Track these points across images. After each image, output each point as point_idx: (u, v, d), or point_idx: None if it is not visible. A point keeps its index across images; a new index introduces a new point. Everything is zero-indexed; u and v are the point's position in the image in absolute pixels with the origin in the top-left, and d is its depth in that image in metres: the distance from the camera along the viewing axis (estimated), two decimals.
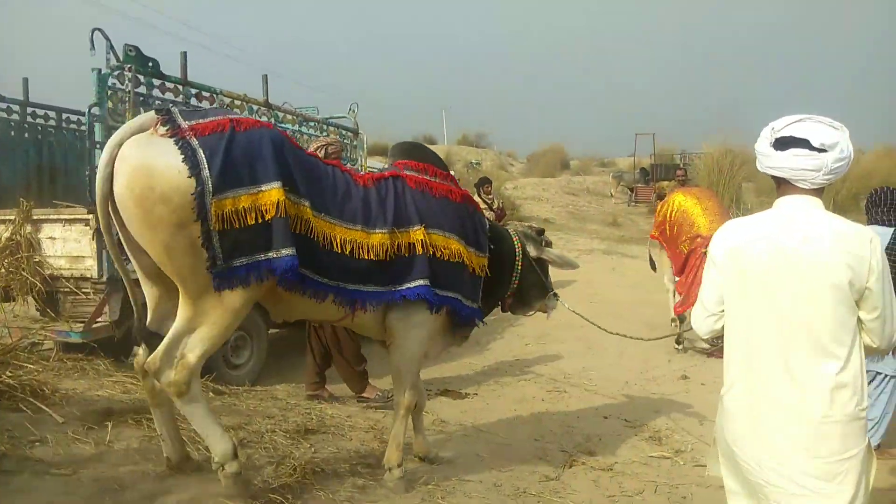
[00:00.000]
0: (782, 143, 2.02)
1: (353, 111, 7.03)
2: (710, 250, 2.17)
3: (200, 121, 2.73)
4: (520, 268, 3.81)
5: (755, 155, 2.16)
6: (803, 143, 1.98)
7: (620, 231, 19.94)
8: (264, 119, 5.69)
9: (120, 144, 2.66)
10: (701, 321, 2.22)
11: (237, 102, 5.63)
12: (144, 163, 2.62)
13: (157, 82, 5.07)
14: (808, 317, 1.94)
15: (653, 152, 26.79)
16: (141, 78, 4.91)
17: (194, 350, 2.76)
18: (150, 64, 4.99)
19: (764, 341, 2.01)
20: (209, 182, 2.62)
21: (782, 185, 2.06)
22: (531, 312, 4.11)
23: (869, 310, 1.95)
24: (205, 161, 2.62)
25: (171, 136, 2.66)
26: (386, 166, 3.55)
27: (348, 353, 4.98)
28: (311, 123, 6.40)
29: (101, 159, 2.69)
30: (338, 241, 2.95)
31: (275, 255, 2.72)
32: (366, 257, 3.02)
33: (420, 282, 3.19)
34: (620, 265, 13.47)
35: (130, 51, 4.86)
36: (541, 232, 4.06)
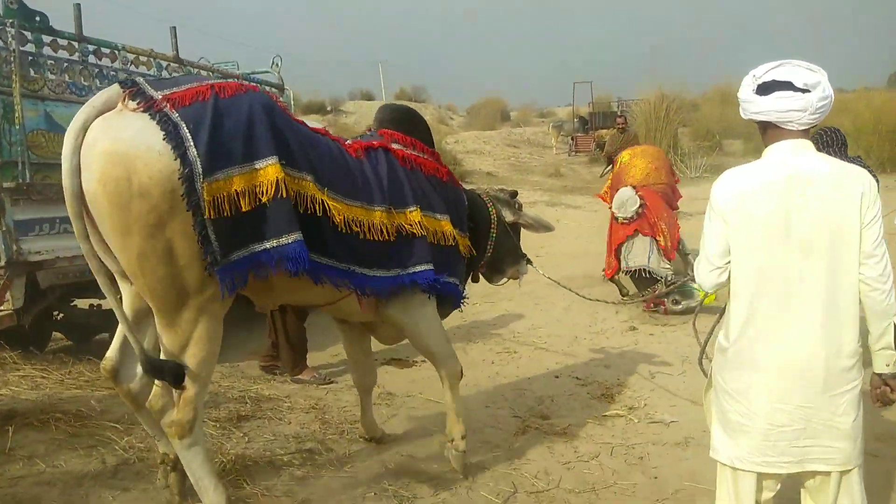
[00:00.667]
0: (765, 88, 2.01)
1: (277, 65, 6.52)
2: (712, 200, 2.07)
3: (175, 90, 2.29)
4: (494, 235, 3.54)
5: (740, 103, 2.10)
6: (787, 86, 1.97)
7: (563, 181, 19.92)
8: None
9: (86, 128, 2.20)
10: (706, 275, 2.12)
11: (143, 59, 5.08)
12: (117, 147, 2.16)
13: (47, 39, 4.50)
14: (822, 257, 1.94)
15: (591, 101, 26.76)
16: (28, 35, 4.33)
17: (193, 379, 2.38)
18: (38, 18, 4.41)
19: (776, 287, 1.98)
20: (198, 162, 2.19)
21: (770, 131, 2.05)
22: (504, 280, 3.87)
23: (872, 242, 1.95)
24: (189, 137, 2.20)
25: (144, 111, 2.22)
26: (368, 133, 3.18)
27: (293, 332, 4.68)
28: (231, 80, 5.88)
29: (65, 148, 2.19)
30: (343, 219, 2.59)
31: (276, 244, 2.34)
32: (369, 238, 2.70)
33: (425, 266, 2.92)
34: (564, 216, 13.40)
35: (12, 3, 4.26)
36: (513, 194, 3.80)
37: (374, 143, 2.95)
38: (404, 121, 3.21)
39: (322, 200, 2.51)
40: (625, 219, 6.61)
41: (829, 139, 4.12)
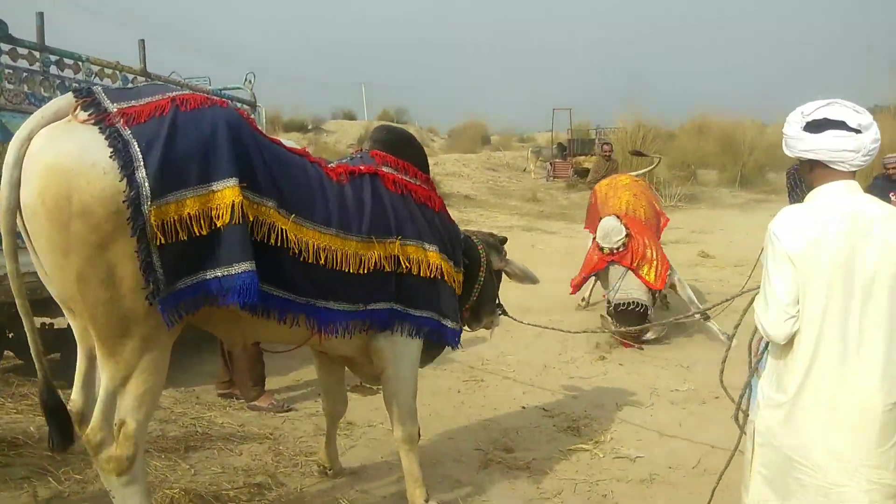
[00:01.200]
0: (816, 126, 1.98)
1: (250, 81, 6.42)
2: (776, 244, 1.98)
3: (133, 103, 2.15)
4: (482, 279, 3.41)
5: (786, 140, 2.07)
6: (840, 125, 1.95)
7: (540, 206, 19.96)
8: None
9: (31, 138, 2.06)
10: (780, 325, 1.99)
11: (108, 71, 4.95)
12: (59, 162, 2.02)
13: (5, 47, 4.36)
14: (883, 301, 1.90)
15: (570, 127, 27.01)
16: None
17: (133, 413, 2.23)
18: None
19: (838, 334, 1.91)
20: (146, 184, 2.06)
21: (818, 171, 2.01)
22: (478, 328, 3.75)
23: None
24: (140, 156, 2.06)
25: (94, 124, 2.08)
26: (358, 154, 3.05)
27: (250, 357, 4.51)
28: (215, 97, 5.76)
29: (7, 159, 2.05)
30: (310, 247, 2.44)
31: (227, 273, 2.20)
32: (339, 268, 2.54)
33: (386, 304, 2.78)
34: (540, 241, 13.39)
35: None
36: (503, 241, 3.70)
37: (362, 167, 2.82)
38: (399, 144, 3.08)
39: (281, 229, 2.37)
40: (610, 250, 6.35)
41: (801, 177, 4.05)
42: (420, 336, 2.97)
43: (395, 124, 3.48)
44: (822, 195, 1.99)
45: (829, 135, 1.95)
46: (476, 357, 5.96)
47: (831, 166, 1.97)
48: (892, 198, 7.76)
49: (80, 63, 4.78)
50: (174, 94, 2.27)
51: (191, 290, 2.20)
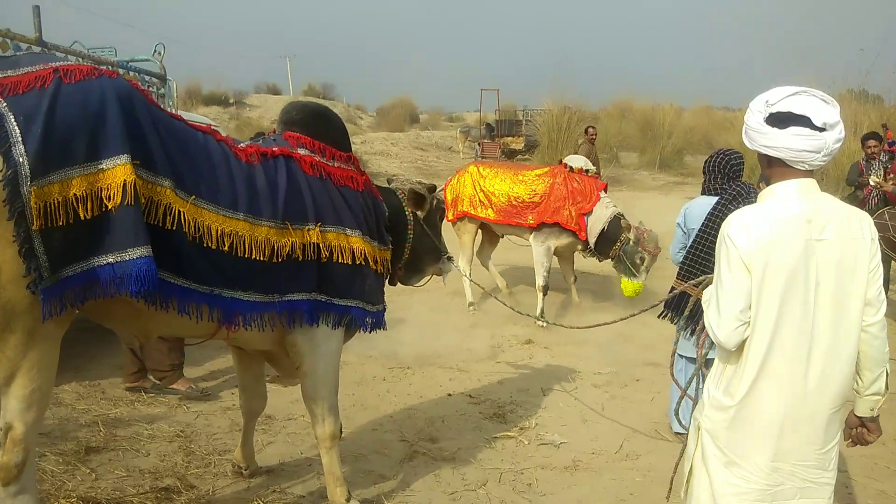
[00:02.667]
0: (779, 120, 1.85)
1: (160, 53, 5.96)
2: (730, 248, 1.87)
3: (10, 73, 1.94)
4: (411, 235, 3.24)
5: (746, 130, 1.94)
6: (803, 122, 1.82)
7: None
8: None
9: None
10: (731, 332, 1.89)
11: None
12: None
13: None
14: (831, 304, 1.84)
15: (497, 108, 27.11)
16: None
17: (21, 415, 2.03)
18: None
19: (790, 339, 1.85)
20: (25, 163, 1.85)
21: (776, 168, 1.90)
22: (424, 280, 3.62)
23: (877, 289, 1.89)
24: (17, 131, 1.86)
25: None
26: (272, 136, 2.82)
27: (166, 340, 4.22)
28: (104, 68, 5.32)
29: None
30: (213, 233, 2.25)
31: (119, 259, 2.00)
32: (248, 256, 2.34)
33: (306, 295, 2.60)
34: None
35: None
36: (432, 188, 3.44)
37: (275, 148, 2.62)
38: (315, 122, 2.84)
39: (179, 211, 2.18)
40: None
41: (717, 165, 3.87)
42: (342, 326, 2.84)
43: (307, 99, 3.19)
44: (777, 195, 1.89)
45: (790, 132, 1.83)
46: (403, 343, 5.85)
47: (790, 165, 1.87)
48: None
49: None
50: (58, 63, 2.04)
51: (79, 279, 2.01)
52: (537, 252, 6.82)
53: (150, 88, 5.85)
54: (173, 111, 6.06)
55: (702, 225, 3.63)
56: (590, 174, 6.97)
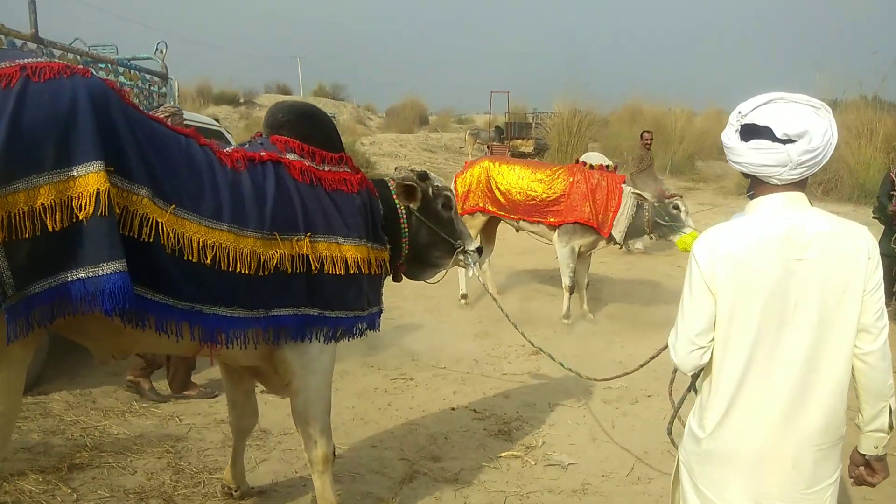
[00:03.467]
0: (746, 132, 1.70)
1: (161, 51, 5.86)
2: (693, 267, 1.72)
3: None
4: (406, 230, 3.00)
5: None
6: (766, 133, 1.66)
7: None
8: None
9: None
10: (685, 356, 1.77)
11: None
12: None
13: None
14: (817, 329, 1.66)
15: (507, 110, 26.91)
16: None
17: None
18: None
19: (765, 366, 1.68)
20: None
21: (755, 181, 1.75)
22: (438, 276, 3.31)
23: (874, 313, 1.68)
24: None
25: None
26: (258, 139, 2.65)
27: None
28: (103, 66, 5.19)
29: None
30: (195, 245, 2.09)
31: (91, 274, 1.84)
32: (232, 269, 2.18)
33: (293, 310, 2.43)
34: None
35: None
36: (423, 176, 3.11)
37: (263, 153, 2.45)
38: (303, 124, 2.65)
39: (157, 222, 2.02)
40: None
41: None
42: (336, 340, 2.68)
43: (291, 99, 3.00)
44: (757, 210, 1.73)
45: (751, 146, 1.68)
46: (407, 352, 5.69)
47: (764, 180, 1.71)
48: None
49: None
50: (25, 61, 1.88)
51: (47, 295, 1.85)
52: (562, 254, 6.77)
53: (151, 88, 5.73)
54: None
55: None
56: (610, 169, 6.91)
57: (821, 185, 15.42)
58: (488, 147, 25.07)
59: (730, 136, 1.75)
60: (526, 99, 29.39)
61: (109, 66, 5.24)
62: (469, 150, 25.98)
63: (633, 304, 7.45)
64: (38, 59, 1.92)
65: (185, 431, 3.76)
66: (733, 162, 1.75)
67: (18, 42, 4.59)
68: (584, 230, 6.70)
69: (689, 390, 2.34)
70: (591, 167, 6.88)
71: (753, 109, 1.70)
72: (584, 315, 6.99)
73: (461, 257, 3.22)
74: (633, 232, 6.66)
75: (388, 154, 23.08)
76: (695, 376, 1.96)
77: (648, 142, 10.71)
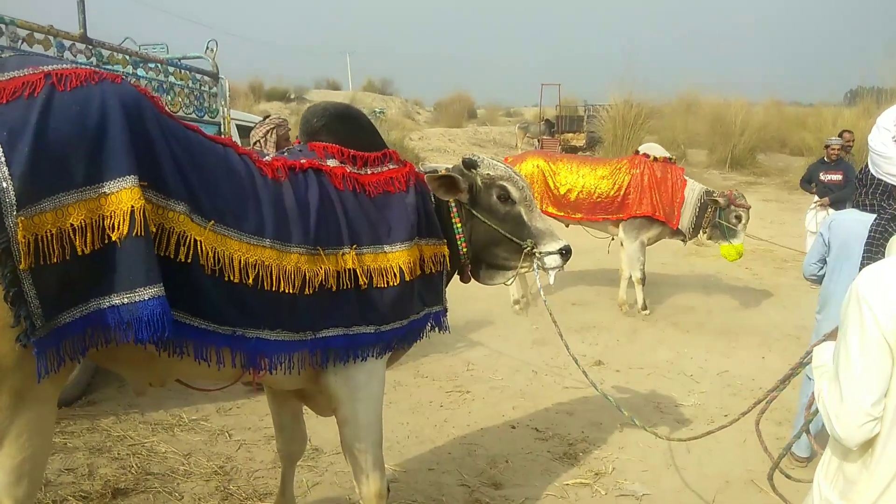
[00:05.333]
0: None
1: (212, 50, 5.70)
2: (867, 317, 1.39)
3: None
4: (459, 226, 2.65)
5: (871, 154, 1.55)
6: None
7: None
8: (81, 61, 4.36)
9: None
10: (857, 429, 1.42)
11: (38, 36, 4.26)
12: None
13: None
14: None
15: (558, 103, 26.36)
16: None
17: (10, 489, 1.71)
18: None
19: None
20: (10, 188, 1.52)
21: None
22: (509, 279, 2.84)
23: None
24: (0, 150, 1.54)
25: None
26: (297, 147, 2.46)
27: None
28: (153, 65, 5.08)
29: None
30: (236, 263, 1.91)
31: (128, 300, 1.68)
32: (275, 289, 2.00)
33: (343, 330, 2.21)
34: None
35: None
36: (470, 164, 2.70)
37: (303, 161, 2.24)
38: (340, 126, 2.42)
39: (196, 240, 1.82)
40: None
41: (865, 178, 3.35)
42: (384, 363, 2.45)
43: (329, 101, 2.78)
44: None
45: None
46: (462, 360, 5.44)
47: None
48: (822, 177, 8.03)
49: (2, 26, 4.09)
50: (50, 67, 1.69)
51: (79, 325, 1.67)
52: (631, 248, 6.75)
53: (203, 87, 5.61)
54: (225, 110, 5.83)
55: (864, 250, 3.18)
56: (672, 161, 6.85)
57: None
58: (538, 141, 24.60)
59: (886, 144, 1.47)
60: (577, 91, 28.80)
61: (159, 65, 5.12)
62: (518, 144, 25.56)
63: (699, 311, 7.03)
64: (64, 66, 1.72)
65: (235, 449, 3.60)
66: (890, 174, 1.48)
67: (67, 43, 4.51)
68: (650, 223, 6.69)
69: (797, 436, 2.02)
70: (655, 159, 6.77)
71: None
72: (638, 313, 6.85)
73: (537, 260, 2.72)
74: (696, 227, 6.66)
75: (436, 149, 22.88)
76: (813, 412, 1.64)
77: (849, 143, 8.78)
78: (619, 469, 3.69)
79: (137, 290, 1.68)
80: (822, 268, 3.65)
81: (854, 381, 1.41)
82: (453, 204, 2.66)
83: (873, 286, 1.38)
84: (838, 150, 8.02)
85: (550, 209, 6.82)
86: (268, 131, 4.34)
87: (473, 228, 2.69)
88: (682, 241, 7.02)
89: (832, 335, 1.69)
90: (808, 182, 8.32)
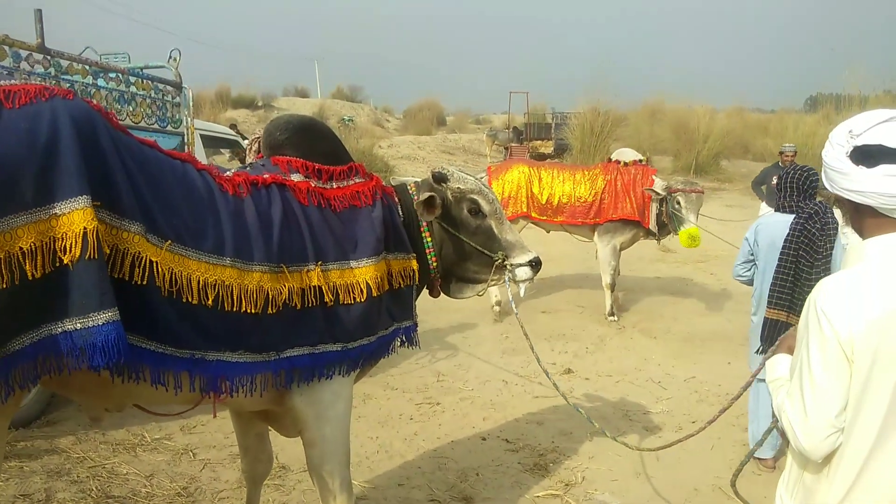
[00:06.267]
0: (867, 156, 1.41)
1: (175, 59, 5.60)
2: (826, 331, 1.40)
3: None
4: (429, 240, 2.64)
5: (825, 169, 1.52)
6: (893, 157, 1.38)
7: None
8: (37, 75, 4.23)
9: None
10: (821, 441, 1.42)
11: None
12: None
13: None
14: None
15: (526, 111, 26.56)
16: None
17: None
18: None
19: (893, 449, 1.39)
20: None
21: (867, 217, 1.46)
22: (480, 290, 2.84)
23: None
24: None
25: None
26: (260, 161, 2.40)
27: None
28: (113, 75, 4.97)
29: None
30: (194, 284, 1.86)
31: (81, 325, 1.61)
32: (236, 309, 1.94)
33: (309, 349, 2.17)
34: None
35: None
36: (440, 178, 2.65)
37: (266, 176, 2.19)
38: (303, 140, 2.37)
39: (151, 261, 1.77)
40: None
41: (795, 182, 3.59)
42: (352, 383, 2.42)
43: (291, 114, 2.69)
44: (876, 255, 1.43)
45: (881, 172, 1.39)
46: (432, 372, 5.42)
47: (886, 214, 1.42)
48: (775, 181, 8.08)
49: None
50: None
51: (30, 352, 1.61)
52: (604, 252, 6.94)
53: (165, 97, 5.51)
54: (188, 120, 5.73)
55: (783, 248, 3.46)
56: (642, 162, 7.03)
57: None
58: (507, 148, 24.74)
59: (840, 160, 1.45)
60: (545, 99, 29.06)
61: (121, 75, 5.01)
62: (488, 152, 25.66)
63: (666, 317, 7.12)
64: (12, 82, 1.67)
65: (199, 469, 3.51)
66: (845, 189, 1.45)
67: (24, 53, 4.39)
68: (623, 226, 6.89)
69: (759, 444, 2.02)
70: (626, 164, 6.99)
71: (871, 128, 1.41)
72: (605, 319, 6.97)
73: (508, 272, 2.73)
74: (660, 224, 6.78)
75: (406, 157, 22.85)
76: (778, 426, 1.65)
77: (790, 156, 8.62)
78: (590, 479, 3.70)
79: (91, 315, 1.62)
80: (749, 268, 3.94)
81: (817, 394, 1.41)
82: (424, 220, 2.64)
83: (832, 299, 1.40)
84: (791, 156, 8.32)
85: (534, 214, 7.06)
86: (254, 141, 4.25)
87: (444, 242, 2.69)
88: (657, 240, 7.16)
89: (781, 347, 1.72)
90: (760, 184, 8.63)
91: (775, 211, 3.82)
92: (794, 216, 3.48)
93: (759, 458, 3.90)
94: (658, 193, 6.54)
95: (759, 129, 24.99)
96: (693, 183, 6.76)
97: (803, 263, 3.33)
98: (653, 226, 6.77)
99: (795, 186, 3.61)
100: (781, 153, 8.55)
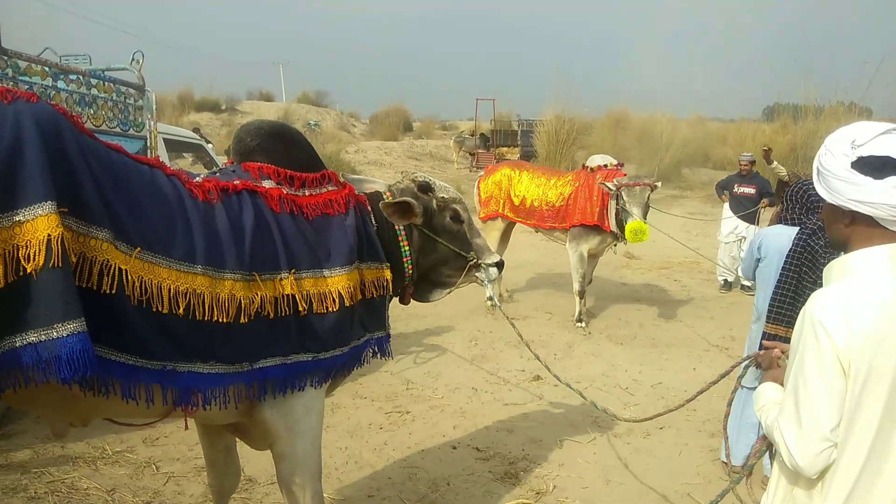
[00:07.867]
0: (872, 167, 1.42)
1: (138, 61, 5.48)
2: (823, 342, 1.39)
3: None
4: (407, 248, 2.67)
5: (825, 177, 1.51)
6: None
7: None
8: None
9: None
10: (816, 457, 1.41)
11: None
12: None
13: None
14: None
15: (493, 118, 26.74)
16: None
17: None
18: None
19: (891, 467, 1.41)
20: None
21: (859, 226, 1.46)
22: (447, 293, 2.94)
23: None
24: None
25: None
26: (230, 167, 2.35)
27: None
28: (74, 77, 4.83)
29: None
30: (165, 293, 1.81)
31: (46, 337, 1.55)
32: (208, 318, 1.90)
33: (281, 359, 2.13)
34: None
35: None
36: (425, 187, 2.74)
37: (237, 182, 2.15)
38: (275, 146, 2.33)
39: (120, 269, 1.71)
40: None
41: (796, 195, 3.55)
42: (323, 394, 2.39)
43: (263, 120, 2.63)
44: (868, 267, 1.44)
45: (890, 184, 1.40)
46: (402, 380, 5.38)
47: (884, 225, 1.44)
48: (736, 189, 8.58)
49: None
50: None
51: None
52: (573, 259, 7.03)
53: (127, 100, 5.38)
54: (151, 124, 5.60)
55: (785, 263, 3.39)
56: (608, 167, 7.02)
57: None
58: (473, 154, 24.85)
59: (844, 169, 1.45)
60: (511, 106, 29.29)
61: (81, 77, 4.88)
62: (455, 158, 25.73)
63: (632, 324, 7.21)
64: None
65: (163, 483, 3.41)
66: (853, 200, 1.44)
67: None
68: (589, 233, 6.92)
69: (747, 470, 2.00)
70: (592, 170, 7.02)
71: (875, 138, 1.42)
72: (574, 325, 7.02)
73: (476, 273, 2.88)
74: (620, 224, 6.67)
75: (373, 162, 22.77)
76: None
77: (767, 152, 8.59)
78: (560, 487, 3.71)
79: (56, 326, 1.56)
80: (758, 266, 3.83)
81: (813, 406, 1.41)
82: (401, 227, 2.65)
83: (829, 311, 1.40)
84: (747, 164, 8.54)
85: (509, 214, 7.29)
86: None
87: (424, 249, 2.72)
88: (614, 243, 7.09)
89: (769, 376, 1.73)
90: (723, 188, 8.84)
91: (779, 222, 3.80)
92: (797, 229, 3.44)
93: (726, 463, 3.94)
94: (610, 189, 6.48)
95: (718, 138, 25.56)
96: (640, 178, 6.67)
97: (806, 280, 3.28)
98: (613, 227, 6.70)
99: (797, 200, 3.57)
100: (740, 161, 8.79)
